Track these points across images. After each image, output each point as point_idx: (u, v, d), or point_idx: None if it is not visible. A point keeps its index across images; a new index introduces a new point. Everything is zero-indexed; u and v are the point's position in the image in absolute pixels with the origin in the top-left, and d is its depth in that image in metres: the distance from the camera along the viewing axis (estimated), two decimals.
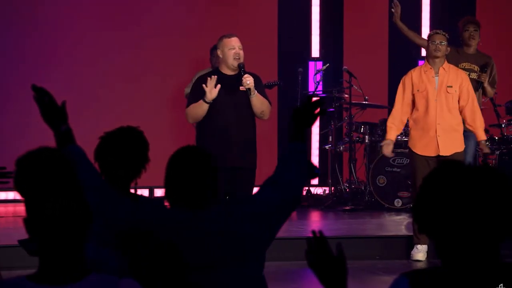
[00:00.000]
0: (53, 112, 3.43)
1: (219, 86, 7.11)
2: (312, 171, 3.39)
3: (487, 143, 8.50)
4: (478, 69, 8.75)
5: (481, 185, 2.17)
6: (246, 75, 7.14)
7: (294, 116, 3.38)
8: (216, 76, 7.14)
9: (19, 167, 3.25)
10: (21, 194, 3.17)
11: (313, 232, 2.49)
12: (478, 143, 8.13)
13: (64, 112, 3.44)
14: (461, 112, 7.93)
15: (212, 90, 7.10)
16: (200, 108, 7.19)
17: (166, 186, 3.29)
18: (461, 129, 7.96)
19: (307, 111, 3.38)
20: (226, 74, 7.28)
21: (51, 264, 2.29)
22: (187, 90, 8.70)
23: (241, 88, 7.19)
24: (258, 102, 7.20)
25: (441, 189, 2.18)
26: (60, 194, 2.31)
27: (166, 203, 3.39)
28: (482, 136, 7.98)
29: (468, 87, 7.97)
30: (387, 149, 8.12)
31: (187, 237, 3.14)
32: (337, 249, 2.46)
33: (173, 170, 3.28)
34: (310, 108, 3.38)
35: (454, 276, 2.20)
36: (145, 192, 9.56)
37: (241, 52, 7.24)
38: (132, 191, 3.80)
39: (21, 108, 9.95)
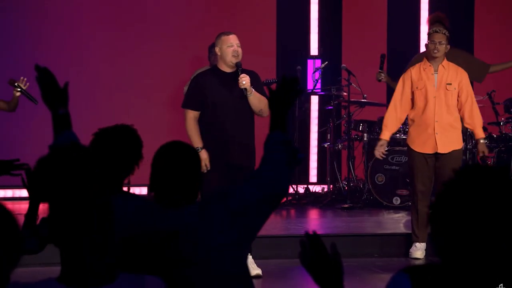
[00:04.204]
0: (54, 93, 3.36)
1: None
2: (295, 157, 3.25)
3: (486, 141, 8.47)
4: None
5: (499, 187, 2.16)
6: (242, 75, 7.10)
7: (271, 102, 3.27)
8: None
9: (43, 167, 3.12)
10: (41, 195, 3.05)
11: (307, 232, 2.41)
12: (476, 141, 8.13)
13: (66, 94, 3.36)
14: (459, 110, 7.93)
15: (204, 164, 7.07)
16: (191, 139, 7.15)
17: (150, 182, 3.25)
18: (459, 126, 7.96)
19: (283, 92, 3.26)
20: (224, 72, 7.25)
21: (77, 267, 2.22)
22: (186, 88, 8.70)
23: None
24: (256, 101, 7.16)
25: (463, 191, 2.17)
26: (85, 197, 2.22)
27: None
28: (480, 134, 7.97)
29: (467, 85, 7.97)
30: (378, 150, 8.10)
31: (167, 233, 3.12)
32: (331, 249, 2.39)
33: (157, 166, 3.25)
34: (285, 88, 3.26)
35: (458, 274, 2.19)
36: (143, 191, 9.56)
37: (240, 50, 7.21)
38: (125, 188, 3.79)
39: (29, 110, 9.93)
